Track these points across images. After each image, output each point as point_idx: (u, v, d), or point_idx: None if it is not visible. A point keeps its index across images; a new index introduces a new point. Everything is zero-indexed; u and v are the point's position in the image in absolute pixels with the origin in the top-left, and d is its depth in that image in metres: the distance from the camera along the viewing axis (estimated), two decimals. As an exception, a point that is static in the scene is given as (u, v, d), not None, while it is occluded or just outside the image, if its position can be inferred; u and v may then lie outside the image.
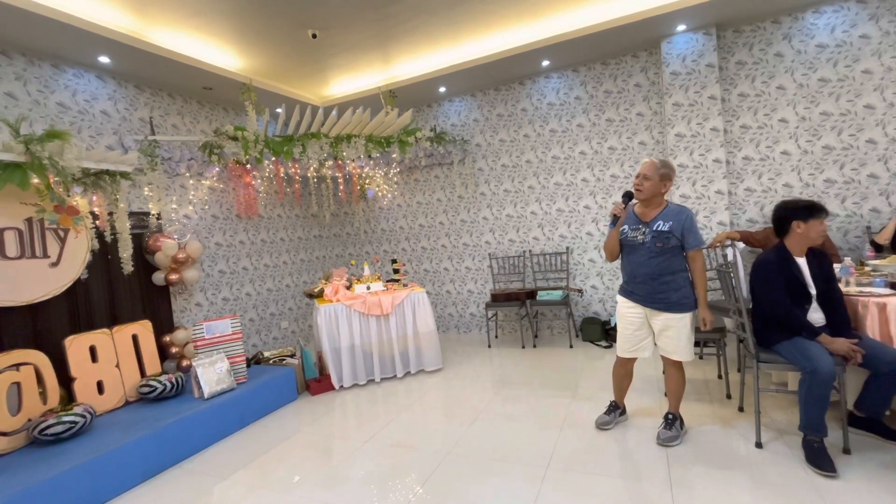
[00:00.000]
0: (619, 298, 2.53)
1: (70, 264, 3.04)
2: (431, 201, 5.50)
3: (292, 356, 3.95)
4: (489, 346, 4.73)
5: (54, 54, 3.31)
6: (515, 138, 4.96)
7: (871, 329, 2.23)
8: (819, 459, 2.02)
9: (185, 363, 3.65)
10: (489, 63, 4.34)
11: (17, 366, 2.56)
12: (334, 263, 6.02)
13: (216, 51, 3.85)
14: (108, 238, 3.21)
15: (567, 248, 4.76)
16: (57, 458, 2.31)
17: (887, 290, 2.36)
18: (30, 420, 2.52)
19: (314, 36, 3.74)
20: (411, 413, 3.15)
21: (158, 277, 3.68)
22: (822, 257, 2.29)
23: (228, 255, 4.58)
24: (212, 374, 3.14)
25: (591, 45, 4.12)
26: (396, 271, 4.38)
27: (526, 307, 4.66)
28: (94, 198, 3.09)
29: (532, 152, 4.89)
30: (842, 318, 2.23)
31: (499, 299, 4.55)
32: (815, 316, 2.24)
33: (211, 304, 4.34)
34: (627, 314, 2.48)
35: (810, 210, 2.20)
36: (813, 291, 2.23)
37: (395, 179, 5.51)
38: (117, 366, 3.10)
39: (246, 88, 3.91)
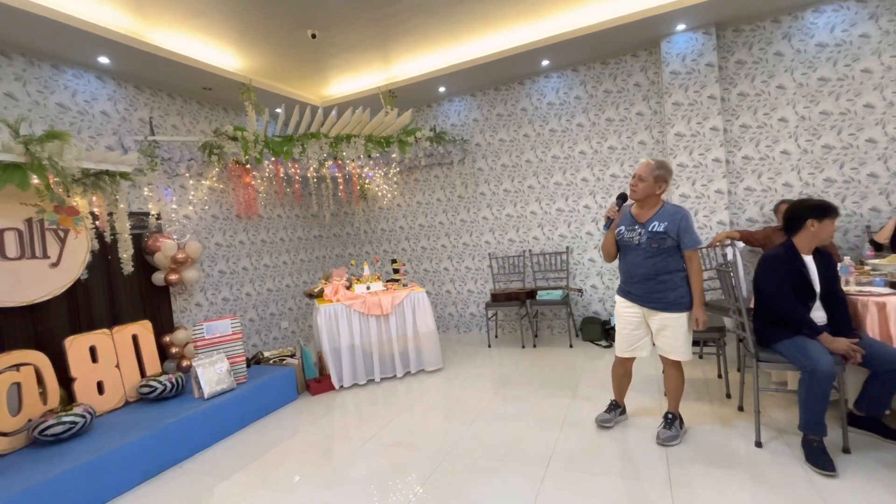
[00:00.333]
0: (617, 298, 2.54)
1: (70, 265, 3.04)
2: (431, 201, 5.50)
3: (292, 356, 3.95)
4: (489, 346, 4.73)
5: (54, 55, 3.31)
6: (515, 138, 4.96)
7: (871, 328, 2.23)
8: (819, 458, 2.02)
9: (185, 363, 3.65)
10: (489, 63, 4.34)
11: (17, 366, 2.57)
12: (334, 263, 6.02)
13: (216, 51, 3.85)
14: (108, 238, 3.21)
15: (567, 247, 4.77)
16: (57, 458, 2.31)
17: (887, 290, 2.36)
18: (30, 420, 2.52)
19: (314, 36, 3.74)
20: (411, 413, 3.15)
21: (158, 278, 3.68)
22: (827, 257, 2.30)
23: (228, 256, 4.58)
24: (212, 374, 3.14)
25: (591, 44, 4.12)
26: (396, 271, 4.38)
27: (526, 307, 4.66)
28: (94, 198, 3.09)
29: (532, 152, 4.89)
30: (843, 317, 2.23)
31: (499, 299, 4.55)
32: (817, 314, 2.24)
33: (211, 304, 4.34)
34: (625, 314, 2.49)
35: (826, 210, 2.21)
36: (818, 290, 2.23)
37: (395, 179, 5.51)
38: (117, 366, 3.10)
39: (245, 88, 3.91)
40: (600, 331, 4.48)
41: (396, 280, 4.28)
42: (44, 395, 2.67)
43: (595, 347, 4.32)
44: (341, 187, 5.37)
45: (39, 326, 2.97)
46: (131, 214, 3.55)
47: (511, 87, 4.94)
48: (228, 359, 3.30)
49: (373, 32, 3.84)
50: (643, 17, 3.70)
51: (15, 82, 3.15)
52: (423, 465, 2.41)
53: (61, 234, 3.01)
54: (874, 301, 2.24)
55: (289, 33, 3.69)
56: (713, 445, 2.33)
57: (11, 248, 2.77)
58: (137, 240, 3.58)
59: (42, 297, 2.89)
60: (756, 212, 4.00)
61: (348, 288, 4.06)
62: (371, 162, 5.01)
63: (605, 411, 2.67)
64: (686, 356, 2.35)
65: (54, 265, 2.97)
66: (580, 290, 4.60)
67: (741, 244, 3.71)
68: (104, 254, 3.30)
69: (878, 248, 3.15)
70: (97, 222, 3.16)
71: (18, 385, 2.55)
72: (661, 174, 2.30)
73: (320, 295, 4.07)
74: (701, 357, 3.69)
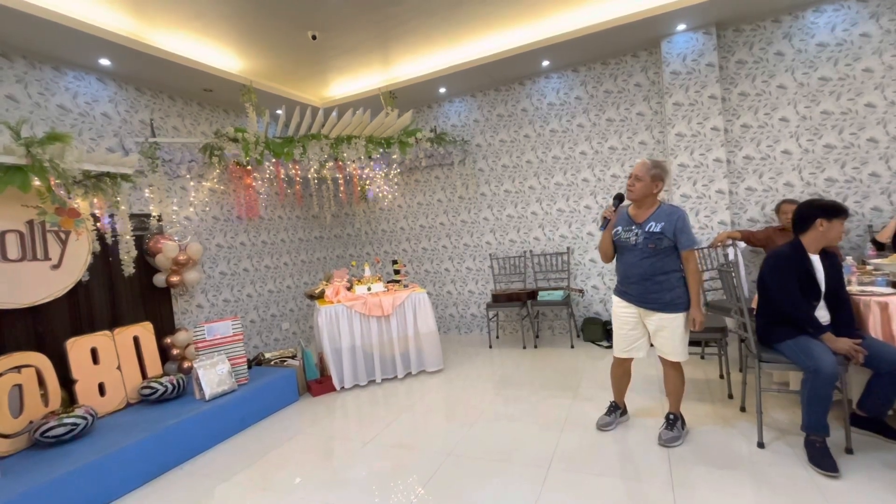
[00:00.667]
0: (614, 298, 2.54)
1: (71, 266, 3.05)
2: (432, 202, 5.50)
3: (293, 357, 3.95)
4: (490, 347, 4.72)
5: (55, 57, 3.32)
6: (516, 138, 4.96)
7: (874, 328, 2.22)
8: (821, 459, 2.01)
9: (186, 365, 3.65)
10: (489, 63, 4.34)
11: (18, 368, 2.57)
12: (335, 264, 6.02)
13: (216, 53, 3.86)
14: (109, 240, 3.21)
15: (568, 248, 4.76)
16: (58, 460, 2.31)
17: (889, 290, 2.35)
18: (31, 422, 2.52)
19: (314, 37, 3.74)
20: (412, 414, 3.15)
21: (159, 279, 3.68)
22: (833, 258, 2.29)
23: (229, 257, 4.58)
24: (213, 375, 3.14)
25: (591, 44, 4.12)
26: (397, 272, 4.38)
27: (527, 307, 4.66)
28: (95, 200, 3.10)
29: (532, 152, 4.89)
30: (847, 318, 2.23)
31: (500, 300, 4.55)
32: (821, 314, 2.24)
33: (212, 305, 4.35)
34: (622, 314, 2.49)
35: (835, 210, 2.21)
36: (823, 289, 2.23)
37: (396, 180, 5.51)
38: (118, 368, 3.10)
39: (246, 90, 3.92)
40: (601, 331, 4.47)
41: (397, 281, 4.27)
42: (45, 397, 2.67)
43: (596, 348, 4.31)
44: (342, 188, 5.38)
45: (41, 328, 2.97)
46: (132, 216, 3.56)
47: (511, 87, 4.94)
48: (229, 360, 3.30)
49: (373, 34, 3.84)
50: (643, 18, 3.69)
51: (16, 84, 3.16)
52: (425, 467, 2.41)
53: (62, 235, 3.01)
54: (876, 301, 2.23)
55: (289, 35, 3.69)
56: (715, 446, 2.32)
57: (13, 249, 2.78)
58: (139, 241, 3.58)
59: (43, 299, 2.90)
60: (757, 212, 3.99)
61: (349, 289, 4.06)
62: (372, 163, 5.01)
63: (605, 414, 2.67)
64: (682, 357, 2.35)
65: (55, 267, 2.97)
66: (581, 291, 4.59)
67: (742, 244, 3.71)
68: (105, 255, 3.31)
69: (879, 247, 3.15)
70: (98, 224, 3.16)
71: (20, 387, 2.55)
72: (657, 173, 2.30)
73: (321, 296, 4.07)
74: (703, 357, 3.68)
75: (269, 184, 4.93)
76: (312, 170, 4.61)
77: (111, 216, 3.21)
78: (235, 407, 3.10)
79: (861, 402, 2.20)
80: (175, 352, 3.68)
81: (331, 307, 3.79)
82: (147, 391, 3.06)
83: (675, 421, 2.42)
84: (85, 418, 2.56)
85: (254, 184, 4.68)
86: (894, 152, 3.53)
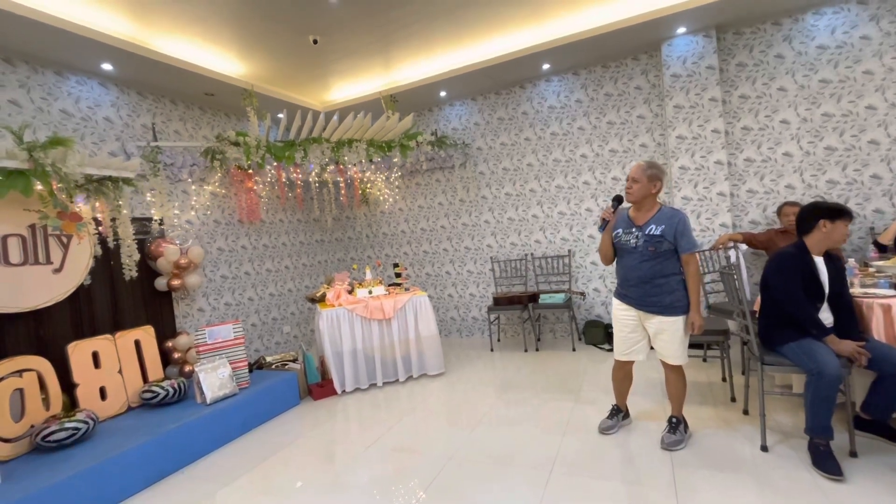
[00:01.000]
0: (614, 301, 2.53)
1: (73, 270, 3.05)
2: (433, 205, 5.51)
3: (294, 361, 3.95)
4: (491, 350, 4.71)
5: (57, 62, 3.33)
6: (516, 141, 4.96)
7: (877, 331, 2.22)
8: (825, 463, 2.00)
9: (187, 368, 3.64)
10: (489, 67, 4.36)
11: (19, 372, 2.57)
12: (336, 268, 6.02)
13: (218, 57, 3.87)
14: (111, 244, 3.21)
15: (569, 250, 4.76)
16: (59, 464, 2.31)
17: (892, 292, 2.35)
18: (32, 426, 2.52)
19: (315, 42, 3.76)
20: (414, 417, 3.14)
21: (161, 283, 3.69)
22: (837, 260, 2.29)
23: (231, 260, 4.58)
24: (214, 379, 3.14)
25: (592, 48, 4.13)
26: (398, 275, 4.38)
27: (528, 310, 4.65)
28: (97, 204, 3.10)
29: (533, 155, 4.89)
30: (850, 320, 2.22)
31: (501, 303, 4.54)
32: (824, 316, 2.23)
33: (213, 309, 4.35)
34: (621, 317, 2.48)
35: (839, 212, 2.21)
36: (827, 291, 2.22)
37: (397, 183, 5.52)
38: (120, 371, 3.10)
39: (247, 94, 3.93)
40: (603, 334, 4.46)
41: (398, 284, 4.27)
42: (46, 401, 2.67)
43: (598, 351, 4.30)
44: (343, 192, 5.38)
45: (42, 332, 2.97)
46: (134, 220, 3.57)
47: (512, 90, 4.95)
48: (231, 364, 3.30)
49: (374, 38, 3.86)
50: (643, 21, 3.70)
51: (19, 89, 3.17)
52: (426, 470, 2.40)
53: (64, 239, 3.02)
54: (879, 303, 2.22)
55: (290, 39, 3.71)
56: (718, 449, 2.31)
57: (15, 254, 2.78)
58: (140, 245, 3.58)
59: (45, 303, 2.90)
60: (759, 214, 3.99)
61: (350, 292, 4.06)
62: (373, 166, 5.02)
63: (608, 417, 2.66)
64: (681, 360, 2.34)
65: (57, 271, 2.97)
66: (582, 294, 4.58)
67: (744, 246, 3.70)
68: (107, 259, 3.31)
69: (882, 249, 3.14)
70: (100, 228, 3.17)
71: (21, 391, 2.55)
72: (653, 173, 2.30)
73: (322, 299, 4.06)
74: (705, 360, 3.67)
75: (271, 187, 4.94)
76: (313, 173, 4.62)
77: (113, 220, 3.22)
78: (237, 411, 3.09)
79: (865, 405, 2.19)
80: (176, 355, 3.67)
81: (332, 310, 3.79)
82: (148, 395, 3.05)
83: (677, 424, 2.41)
84: (86, 422, 2.56)
85: (255, 187, 4.69)
86: (895, 154, 3.53)
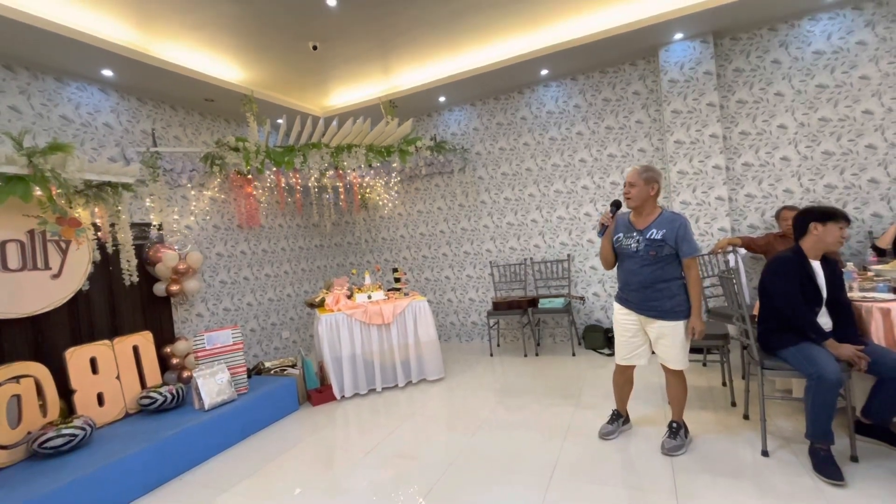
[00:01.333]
0: (615, 305, 2.53)
1: (71, 276, 3.05)
2: (432, 210, 5.51)
3: (293, 366, 3.93)
4: (491, 355, 4.70)
5: (58, 68, 3.35)
6: (515, 146, 4.98)
7: (876, 335, 2.22)
8: (826, 468, 1.99)
9: (185, 374, 3.63)
10: (488, 72, 4.38)
11: (17, 378, 2.55)
12: (335, 273, 6.02)
13: (218, 63, 3.89)
14: (110, 249, 3.21)
15: (568, 255, 4.76)
16: (56, 471, 2.29)
17: (891, 296, 2.35)
18: (29, 433, 2.51)
19: (315, 48, 3.78)
20: (413, 423, 3.13)
21: (159, 288, 3.68)
22: (833, 264, 2.30)
23: (230, 266, 4.58)
24: (212, 385, 3.12)
25: (590, 53, 4.15)
26: (398, 280, 4.38)
27: (528, 315, 4.64)
28: (96, 209, 3.10)
29: (532, 160, 4.91)
30: (849, 324, 2.22)
31: (500, 307, 4.54)
32: (822, 321, 2.23)
33: (212, 314, 4.34)
34: (623, 321, 2.48)
35: (829, 214, 2.22)
36: (825, 295, 2.23)
37: (396, 188, 5.53)
38: (118, 377, 3.09)
39: (247, 100, 3.95)
40: (603, 339, 4.45)
41: (398, 289, 4.27)
42: (43, 408, 2.65)
43: (598, 356, 4.29)
44: (342, 197, 5.39)
45: (40, 338, 2.96)
46: (133, 225, 3.57)
47: (510, 96, 4.97)
48: (229, 369, 3.29)
49: (373, 44, 3.88)
50: (641, 27, 3.73)
51: (19, 95, 3.18)
52: (426, 476, 2.38)
53: (63, 245, 3.02)
54: (878, 307, 2.22)
55: (290, 45, 3.73)
56: (719, 455, 2.30)
57: (13, 259, 2.78)
58: (139, 250, 3.58)
59: (43, 309, 2.89)
60: (757, 218, 4.00)
61: (349, 297, 4.05)
62: (372, 171, 5.03)
63: (608, 422, 2.65)
64: (682, 365, 2.33)
65: (56, 276, 2.97)
66: (582, 298, 4.58)
67: (743, 251, 3.71)
68: (105, 264, 3.31)
69: (880, 253, 3.15)
70: (99, 233, 3.17)
71: (18, 397, 2.53)
72: (649, 176, 2.31)
73: (321, 304, 4.06)
74: (705, 365, 3.66)
75: (270, 192, 4.95)
76: (313, 178, 4.63)
77: (112, 225, 3.22)
78: (235, 416, 3.08)
79: (865, 410, 2.18)
80: (174, 361, 3.66)
81: (331, 315, 3.78)
82: (146, 401, 3.04)
83: (677, 429, 2.40)
84: (83, 429, 2.55)
85: (254, 192, 4.70)
86: (893, 158, 3.55)
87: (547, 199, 4.86)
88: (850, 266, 2.70)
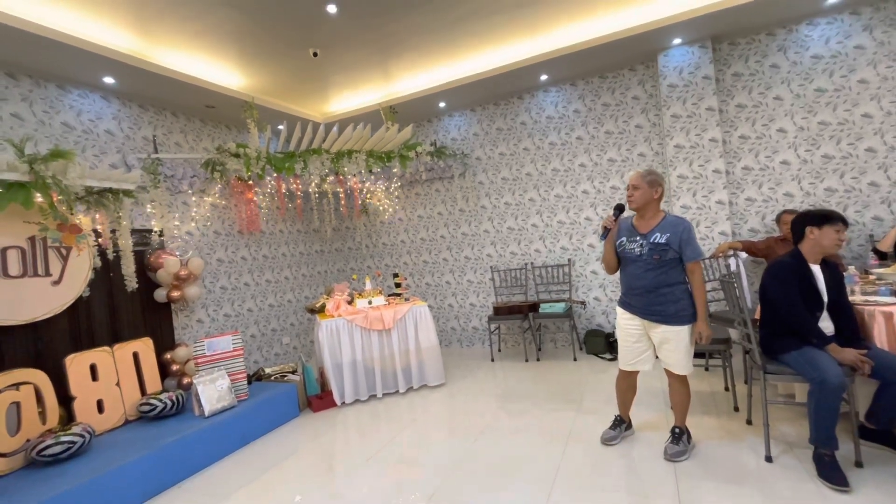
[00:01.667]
0: (619, 310, 2.52)
1: (72, 282, 3.04)
2: (433, 215, 5.52)
3: (294, 372, 3.92)
4: (492, 360, 4.69)
5: (60, 76, 3.37)
6: (515, 151, 4.99)
7: (879, 339, 2.20)
8: (831, 473, 1.97)
9: (185, 381, 3.62)
10: (488, 78, 4.40)
11: (16, 385, 2.54)
12: (336, 278, 6.01)
13: (219, 70, 3.91)
14: (111, 256, 3.21)
15: (569, 259, 4.75)
16: (55, 479, 2.27)
17: (893, 299, 2.34)
18: (28, 440, 2.49)
19: (315, 54, 3.80)
20: (414, 429, 3.11)
21: (160, 294, 3.68)
22: (833, 268, 2.29)
23: (230, 271, 4.58)
24: (212, 391, 3.11)
25: (589, 59, 4.17)
26: (398, 285, 4.37)
27: (529, 320, 4.63)
28: (97, 216, 3.11)
29: (532, 165, 4.91)
30: (851, 328, 2.21)
31: (501, 312, 4.53)
32: (825, 325, 2.22)
33: (212, 320, 4.33)
34: (626, 326, 2.46)
35: (824, 218, 2.22)
36: (825, 299, 2.22)
37: (397, 194, 5.54)
38: (118, 384, 3.08)
39: (248, 106, 3.96)
40: (604, 343, 4.44)
41: (398, 294, 4.26)
42: (43, 415, 2.64)
43: (599, 360, 4.27)
44: (342, 202, 5.40)
45: (40, 345, 2.96)
46: (134, 231, 3.57)
47: (510, 101, 4.99)
48: (229, 375, 3.28)
49: (373, 51, 3.90)
50: (640, 32, 3.75)
51: (21, 103, 3.20)
52: (427, 483, 2.36)
53: (63, 251, 3.02)
54: (881, 311, 2.21)
55: (291, 52, 3.75)
56: (722, 460, 2.28)
57: (14, 266, 2.78)
58: (140, 256, 3.58)
59: (43, 315, 2.89)
60: (758, 222, 4.00)
61: (350, 303, 4.04)
62: (372, 177, 5.04)
63: (610, 428, 2.63)
64: (686, 370, 2.32)
65: (56, 283, 2.97)
66: (583, 303, 4.57)
67: (744, 254, 3.70)
68: (106, 271, 3.31)
69: (881, 256, 3.14)
70: (100, 239, 3.17)
71: (18, 404, 2.53)
72: (652, 178, 2.31)
73: (322, 310, 4.05)
74: (707, 369, 3.64)
75: (271, 198, 4.96)
76: (313, 184, 4.64)
77: (112, 231, 3.22)
78: (235, 423, 3.06)
79: (869, 414, 2.17)
80: (175, 367, 3.65)
81: (331, 321, 3.77)
82: (146, 408, 3.03)
83: (680, 435, 2.39)
84: (82, 436, 2.53)
85: (255, 198, 4.71)
86: (892, 162, 3.55)
87: (547, 203, 4.86)
88: (851, 270, 2.69)
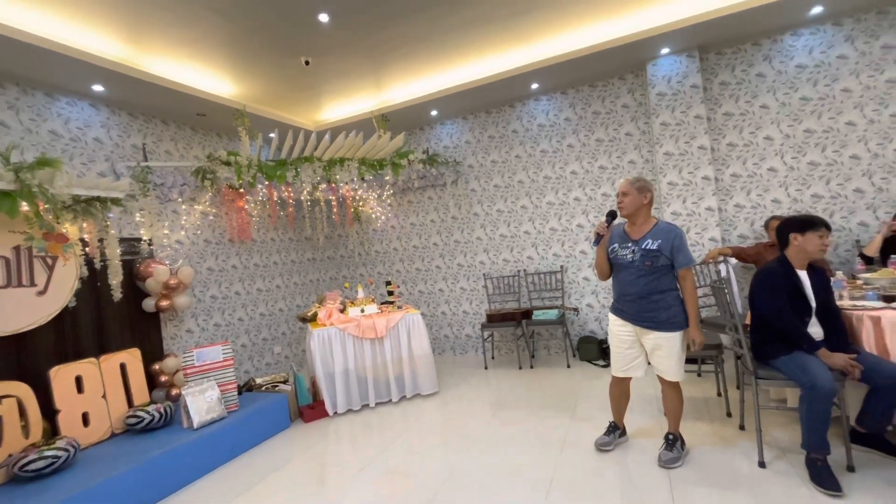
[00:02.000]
0: (611, 316, 2.52)
1: (58, 292, 2.99)
2: (425, 222, 5.51)
3: (285, 382, 3.87)
4: (486, 368, 4.67)
5: (48, 83, 3.33)
6: (507, 159, 5.02)
7: (867, 343, 2.23)
8: (823, 478, 1.98)
9: (174, 392, 3.55)
10: (479, 87, 4.43)
11: (-1, 398, 2.48)
12: (328, 286, 5.97)
13: (210, 78, 3.90)
14: (98, 265, 3.16)
15: (561, 266, 4.77)
16: (37, 495, 2.21)
17: (880, 304, 2.37)
18: (10, 455, 2.43)
19: (307, 63, 3.80)
20: (407, 438, 3.07)
21: (149, 304, 3.62)
22: (820, 272, 2.31)
23: (221, 280, 4.53)
24: (202, 402, 3.06)
25: (579, 68, 4.22)
26: (391, 293, 4.35)
27: (522, 327, 4.62)
28: (84, 224, 3.06)
29: (524, 172, 4.94)
30: (840, 332, 2.23)
31: (494, 320, 4.52)
32: (814, 330, 2.24)
33: (202, 330, 4.27)
34: (618, 332, 2.47)
35: (806, 224, 2.25)
36: (813, 304, 2.24)
37: (389, 202, 5.53)
38: (104, 396, 3.01)
39: (239, 114, 3.95)
40: (597, 350, 4.44)
41: (391, 302, 4.24)
42: (26, 429, 2.58)
43: (593, 367, 4.27)
44: (335, 210, 5.38)
45: (24, 356, 2.89)
46: (122, 240, 3.52)
47: (502, 109, 5.03)
48: (219, 386, 3.22)
49: (365, 59, 3.91)
50: (629, 42, 3.80)
51: (8, 111, 3.16)
52: (421, 493, 2.33)
53: (49, 261, 2.97)
54: (869, 315, 2.24)
55: (282, 60, 3.75)
56: (716, 466, 2.28)
57: (-2, 276, 2.72)
58: (129, 266, 3.53)
59: (28, 326, 2.83)
60: (747, 228, 4.04)
61: (342, 311, 4.01)
62: (364, 184, 5.03)
63: (605, 434, 2.62)
64: (678, 376, 2.32)
65: (41, 293, 2.91)
66: (576, 309, 4.58)
67: (734, 260, 3.74)
68: (93, 280, 3.25)
69: (868, 261, 3.18)
70: (87, 249, 3.12)
71: (0, 418, 2.46)
72: (641, 185, 2.33)
73: (314, 319, 4.01)
74: (699, 375, 3.65)
75: (262, 206, 4.93)
76: (305, 192, 4.62)
77: (100, 240, 3.17)
78: (225, 435, 3.01)
79: (860, 418, 2.18)
80: (163, 378, 3.58)
81: (323, 330, 3.74)
82: (133, 420, 2.96)
83: (674, 441, 2.38)
84: (66, 450, 2.47)
85: (246, 206, 4.67)
86: (876, 168, 3.62)
87: (539, 210, 4.88)
88: (839, 275, 2.72)
